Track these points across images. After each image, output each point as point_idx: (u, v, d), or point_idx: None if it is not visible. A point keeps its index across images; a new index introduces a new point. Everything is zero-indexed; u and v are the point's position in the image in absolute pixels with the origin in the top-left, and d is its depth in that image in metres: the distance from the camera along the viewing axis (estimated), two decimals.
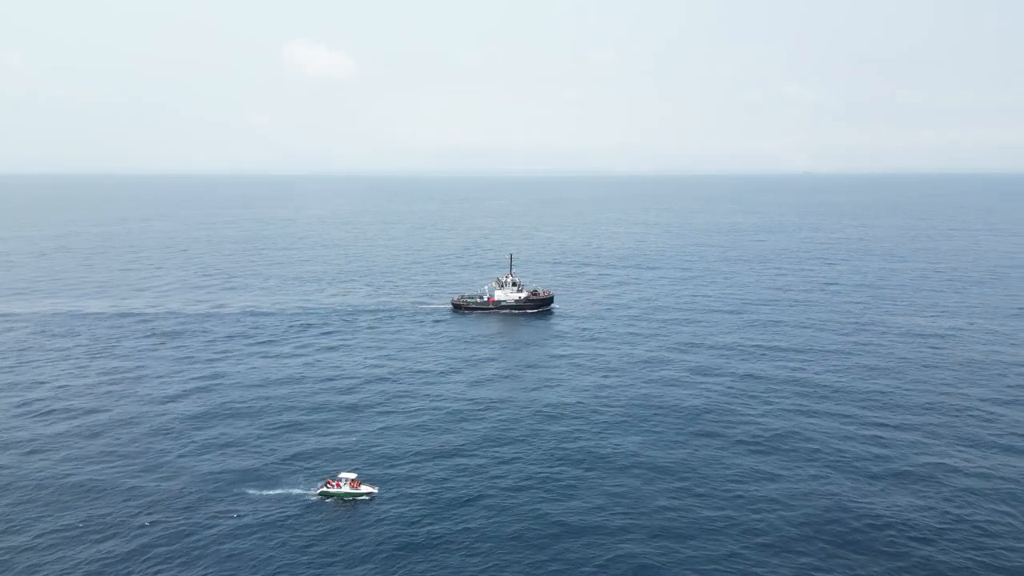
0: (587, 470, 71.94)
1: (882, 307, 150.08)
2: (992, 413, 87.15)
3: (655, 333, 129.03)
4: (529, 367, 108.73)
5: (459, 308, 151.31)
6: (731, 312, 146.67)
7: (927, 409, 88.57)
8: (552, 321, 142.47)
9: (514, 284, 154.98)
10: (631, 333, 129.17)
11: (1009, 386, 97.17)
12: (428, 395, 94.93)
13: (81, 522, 62.03)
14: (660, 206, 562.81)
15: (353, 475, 68.82)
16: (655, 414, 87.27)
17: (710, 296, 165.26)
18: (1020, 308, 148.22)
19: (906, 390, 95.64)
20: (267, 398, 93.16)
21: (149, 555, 57.03)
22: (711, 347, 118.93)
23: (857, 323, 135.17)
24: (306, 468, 72.65)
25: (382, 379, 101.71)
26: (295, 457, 75.29)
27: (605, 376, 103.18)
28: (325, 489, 67.69)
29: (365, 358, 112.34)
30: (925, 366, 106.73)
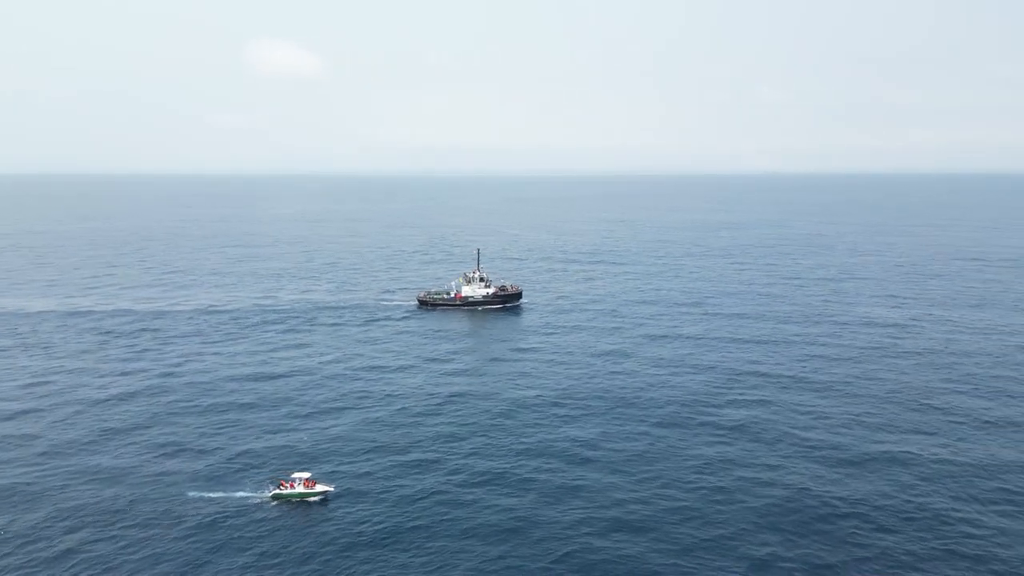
0: (545, 464, 69.85)
1: (844, 299, 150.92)
2: (949, 401, 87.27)
3: (620, 327, 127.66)
4: (491, 362, 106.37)
5: (425, 304, 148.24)
6: (695, 305, 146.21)
7: (886, 398, 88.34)
8: (519, 317, 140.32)
9: (482, 280, 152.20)
10: (596, 327, 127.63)
11: (966, 374, 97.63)
12: (386, 391, 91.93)
13: (3, 528, 57.99)
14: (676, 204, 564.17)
15: (307, 474, 65.57)
16: (616, 406, 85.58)
17: (675, 290, 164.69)
18: (980, 299, 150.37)
19: (867, 380, 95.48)
20: (217, 398, 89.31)
21: (75, 560, 53.36)
22: (675, 339, 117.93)
23: (821, 315, 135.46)
24: (255, 468, 69.35)
25: (339, 376, 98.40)
26: (244, 457, 71.86)
27: (567, 368, 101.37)
28: (278, 491, 64.23)
29: (323, 355, 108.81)
30: (885, 355, 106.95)
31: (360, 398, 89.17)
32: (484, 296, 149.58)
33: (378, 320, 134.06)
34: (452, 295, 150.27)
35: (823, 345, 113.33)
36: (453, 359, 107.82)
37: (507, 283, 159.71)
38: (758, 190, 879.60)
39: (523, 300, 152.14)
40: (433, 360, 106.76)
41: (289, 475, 65.89)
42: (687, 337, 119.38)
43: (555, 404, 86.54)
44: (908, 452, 72.23)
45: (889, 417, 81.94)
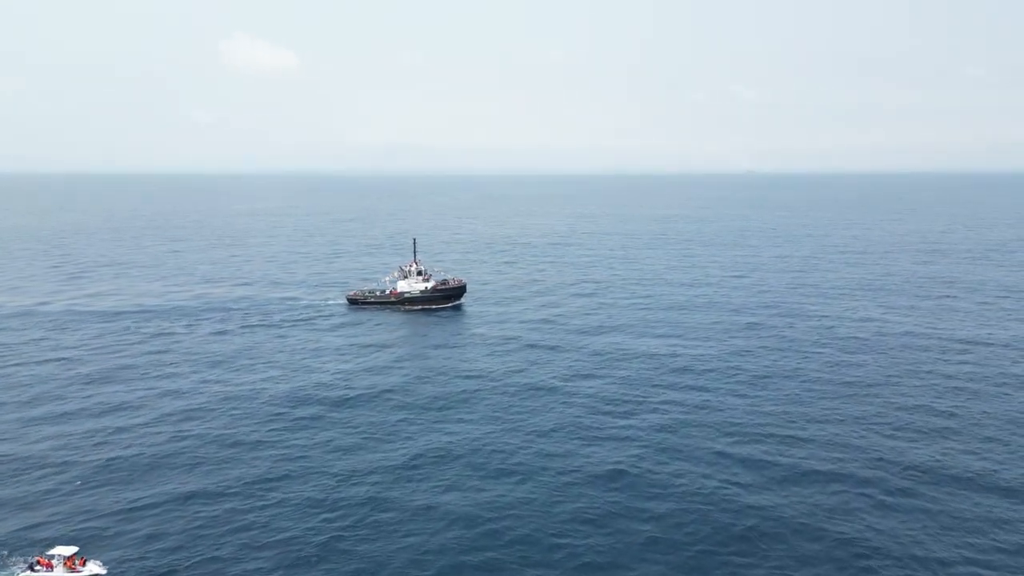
0: (397, 488, 49.59)
1: (799, 292, 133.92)
2: (902, 379, 69.33)
3: (563, 320, 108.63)
4: (378, 366, 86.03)
5: (356, 303, 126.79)
6: (642, 298, 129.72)
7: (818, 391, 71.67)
8: (460, 313, 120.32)
9: (419, 273, 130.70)
10: (546, 323, 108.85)
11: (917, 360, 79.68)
12: (228, 421, 69.73)
13: None
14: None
15: (72, 550, 45.66)
16: (526, 406, 65.78)
17: (628, 279, 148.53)
18: (945, 290, 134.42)
19: (792, 369, 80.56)
20: None
21: None
22: (608, 331, 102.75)
23: (768, 306, 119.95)
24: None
25: (188, 406, 75.16)
26: None
27: (489, 359, 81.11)
28: (30, 573, 44.72)
29: (177, 368, 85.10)
30: (820, 346, 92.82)
31: (195, 433, 66.93)
32: (423, 291, 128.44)
33: (289, 324, 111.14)
34: (387, 292, 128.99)
35: (766, 337, 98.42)
36: (332, 367, 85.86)
37: (449, 276, 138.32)
38: (759, 188, 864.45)
39: (467, 295, 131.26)
40: (308, 371, 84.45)
41: (47, 551, 45.56)
42: (621, 328, 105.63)
43: (428, 403, 65.42)
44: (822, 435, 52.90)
45: (822, 408, 67.43)
